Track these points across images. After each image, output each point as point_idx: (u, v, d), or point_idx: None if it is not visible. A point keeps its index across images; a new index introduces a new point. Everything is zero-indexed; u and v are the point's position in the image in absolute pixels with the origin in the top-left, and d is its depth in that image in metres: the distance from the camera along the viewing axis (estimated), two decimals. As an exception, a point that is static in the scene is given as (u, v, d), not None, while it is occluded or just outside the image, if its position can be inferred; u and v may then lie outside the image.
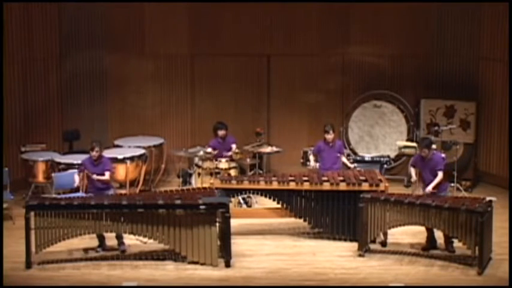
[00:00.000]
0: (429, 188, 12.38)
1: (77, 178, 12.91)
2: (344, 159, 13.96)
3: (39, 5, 15.29)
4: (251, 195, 13.70)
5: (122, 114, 16.35)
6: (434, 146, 14.25)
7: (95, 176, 12.57)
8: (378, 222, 12.11)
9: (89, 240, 12.40)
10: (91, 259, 12.09)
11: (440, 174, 12.43)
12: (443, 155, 13.96)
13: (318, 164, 13.91)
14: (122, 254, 12.22)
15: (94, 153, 12.66)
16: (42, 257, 11.92)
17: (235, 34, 16.14)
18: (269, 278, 11.54)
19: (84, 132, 15.95)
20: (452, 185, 14.60)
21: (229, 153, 14.51)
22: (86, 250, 12.35)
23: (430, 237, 12.45)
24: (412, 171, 12.84)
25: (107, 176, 12.71)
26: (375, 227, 12.14)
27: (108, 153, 14.18)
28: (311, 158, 14.18)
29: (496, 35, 15.19)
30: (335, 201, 12.70)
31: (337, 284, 11.34)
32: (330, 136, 13.68)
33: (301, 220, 12.93)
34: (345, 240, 12.72)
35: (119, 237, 12.35)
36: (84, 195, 13.48)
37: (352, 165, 13.95)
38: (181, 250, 11.89)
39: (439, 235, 12.34)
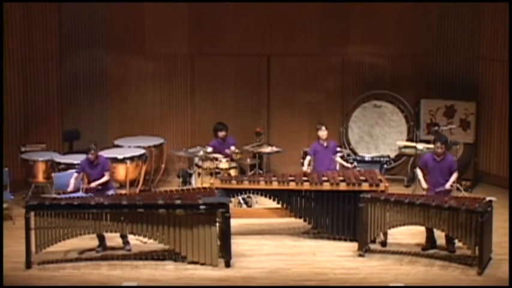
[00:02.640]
0: (447, 186, 12.31)
1: (72, 182, 12.85)
2: (339, 159, 13.93)
3: (39, 5, 15.28)
4: (251, 195, 13.69)
5: (122, 114, 16.36)
6: (433, 147, 14.30)
7: (93, 184, 12.59)
8: (378, 222, 12.11)
9: (89, 240, 12.40)
10: (91, 259, 12.09)
11: (456, 173, 12.44)
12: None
13: (310, 168, 13.85)
14: (127, 254, 12.22)
15: (90, 156, 12.67)
16: (42, 257, 11.91)
17: (235, 34, 16.14)
18: (269, 278, 11.54)
19: (84, 132, 15.96)
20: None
21: (229, 153, 14.49)
22: (82, 252, 12.34)
23: (430, 237, 12.46)
24: (421, 175, 12.61)
25: (106, 177, 12.72)
26: (375, 227, 12.14)
27: (108, 153, 14.19)
28: (306, 160, 13.98)
29: (496, 35, 15.20)
30: (335, 201, 12.70)
31: (337, 284, 11.34)
32: (322, 133, 13.63)
33: (301, 220, 12.93)
34: (345, 240, 12.72)
35: (124, 237, 12.35)
36: (84, 195, 13.49)
37: (348, 164, 13.94)
38: (181, 250, 11.88)
39: (439, 235, 12.34)
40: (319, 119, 15.54)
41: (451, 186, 12.44)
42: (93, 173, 12.73)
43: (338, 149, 14.20)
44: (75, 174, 12.90)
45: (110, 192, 12.73)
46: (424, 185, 12.53)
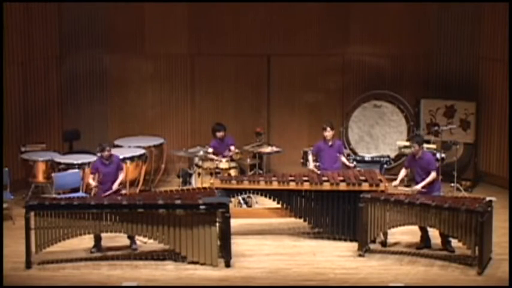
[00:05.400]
0: (417, 187, 12.42)
1: (91, 181, 12.79)
2: (343, 159, 13.95)
3: (39, 5, 15.28)
4: (251, 195, 13.69)
5: (122, 114, 16.36)
6: (433, 146, 14.31)
7: (115, 186, 12.58)
8: (378, 222, 12.11)
9: (89, 240, 12.39)
10: (91, 259, 12.09)
11: (433, 174, 12.46)
12: (441, 155, 14.02)
13: (317, 164, 13.89)
14: (127, 254, 12.22)
15: (106, 153, 12.62)
16: (42, 257, 11.91)
17: (235, 34, 16.14)
18: (269, 278, 11.54)
19: (84, 132, 15.96)
20: (452, 185, 14.62)
21: (229, 154, 14.49)
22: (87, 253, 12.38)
23: (424, 237, 12.49)
24: (401, 174, 12.85)
25: (121, 176, 12.75)
26: (375, 227, 12.14)
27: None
28: (310, 158, 14.15)
29: (496, 35, 15.20)
30: (335, 201, 12.70)
31: (337, 284, 11.34)
32: (327, 133, 13.65)
33: (301, 220, 12.93)
34: (345, 240, 12.72)
35: (131, 237, 12.34)
36: (84, 195, 13.51)
37: (351, 164, 13.95)
38: (181, 250, 11.89)
39: (435, 235, 12.35)
40: (319, 119, 15.55)
41: (427, 186, 12.44)
42: (106, 171, 12.66)
43: (344, 149, 14.23)
44: (92, 176, 12.84)
45: (123, 191, 12.72)
46: (396, 182, 12.72)
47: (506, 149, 15.03)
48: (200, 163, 14.55)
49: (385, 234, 12.54)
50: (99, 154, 12.83)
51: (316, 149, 13.90)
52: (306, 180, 12.83)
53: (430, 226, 12.02)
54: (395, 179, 13.07)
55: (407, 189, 12.75)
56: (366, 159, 15.28)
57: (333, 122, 14.09)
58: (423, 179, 12.47)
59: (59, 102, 15.87)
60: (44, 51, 15.48)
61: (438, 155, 14.19)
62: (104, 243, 12.45)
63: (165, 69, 16.32)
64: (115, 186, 12.59)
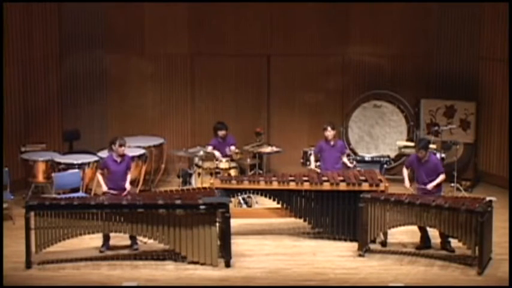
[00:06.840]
0: (429, 187, 12.39)
1: (103, 182, 12.64)
2: (345, 159, 13.95)
3: (39, 5, 15.28)
4: (251, 195, 13.70)
5: (122, 114, 16.36)
6: (433, 146, 14.31)
7: (128, 186, 12.56)
8: (378, 222, 12.11)
9: (89, 240, 12.40)
10: (91, 259, 12.09)
11: (442, 175, 12.45)
12: (441, 155, 14.01)
13: (318, 164, 13.90)
14: (127, 254, 12.21)
15: (124, 148, 12.52)
16: (42, 257, 11.91)
17: (235, 34, 16.14)
18: (269, 278, 11.54)
19: (84, 132, 15.96)
20: (452, 185, 14.62)
21: (230, 154, 14.51)
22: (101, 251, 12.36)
23: (424, 237, 12.49)
24: (405, 174, 12.80)
25: (129, 177, 12.70)
26: (375, 227, 12.14)
27: (108, 153, 14.18)
28: (312, 158, 14.17)
29: (496, 35, 15.20)
30: (335, 201, 12.70)
31: (337, 284, 11.34)
32: (328, 133, 13.64)
33: (301, 220, 12.93)
34: (345, 240, 12.72)
35: (133, 237, 12.33)
36: (84, 195, 13.50)
37: (351, 165, 13.94)
38: (181, 250, 11.89)
39: (434, 235, 12.35)
40: (319, 119, 15.56)
41: (434, 187, 12.43)
42: (116, 169, 12.57)
43: (345, 150, 14.22)
44: (100, 171, 12.76)
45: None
46: (407, 183, 12.68)
47: (506, 149, 15.04)
48: (200, 163, 14.55)
49: (385, 234, 12.54)
50: (111, 147, 12.64)
51: (318, 148, 13.90)
52: (306, 180, 12.83)
53: (430, 226, 12.02)
54: (395, 180, 13.06)
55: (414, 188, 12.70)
56: (366, 159, 15.28)
57: (333, 122, 14.09)
58: (425, 183, 12.42)
59: (59, 102, 15.87)
60: (44, 51, 15.48)
61: (438, 155, 14.19)
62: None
63: (165, 69, 16.32)
64: (128, 185, 12.55)
